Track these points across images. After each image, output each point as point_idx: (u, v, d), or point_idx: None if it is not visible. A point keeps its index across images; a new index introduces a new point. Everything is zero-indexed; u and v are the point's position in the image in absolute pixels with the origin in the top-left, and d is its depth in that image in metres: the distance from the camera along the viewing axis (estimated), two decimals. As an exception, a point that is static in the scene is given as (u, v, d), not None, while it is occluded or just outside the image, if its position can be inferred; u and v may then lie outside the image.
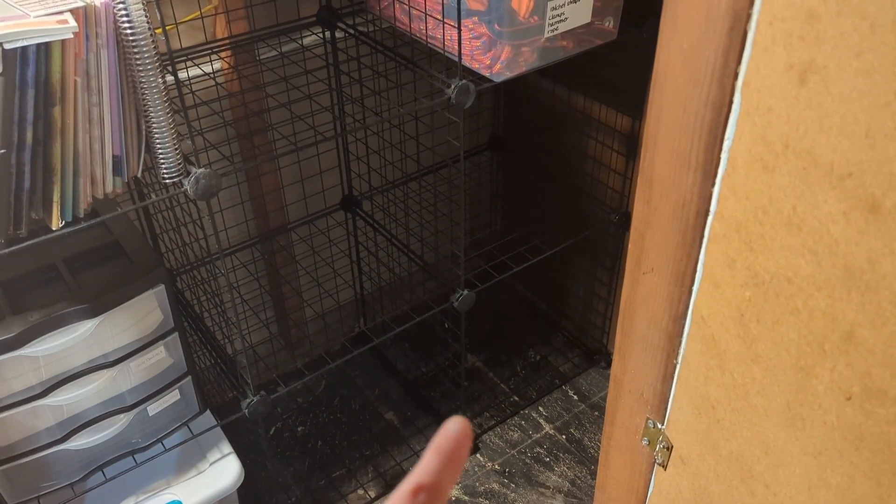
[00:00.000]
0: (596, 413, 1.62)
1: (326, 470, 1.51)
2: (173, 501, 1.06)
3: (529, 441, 1.56)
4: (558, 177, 1.63)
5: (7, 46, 0.68)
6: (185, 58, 1.18)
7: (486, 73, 1.08)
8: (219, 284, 1.18)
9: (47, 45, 0.72)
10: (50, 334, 0.88)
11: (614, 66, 1.37)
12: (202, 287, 1.28)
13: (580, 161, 1.56)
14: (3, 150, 0.73)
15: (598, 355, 1.73)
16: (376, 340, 1.32)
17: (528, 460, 1.52)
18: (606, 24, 1.13)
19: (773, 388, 0.54)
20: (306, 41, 1.30)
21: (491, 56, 1.06)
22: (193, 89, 1.21)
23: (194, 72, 1.22)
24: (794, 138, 0.47)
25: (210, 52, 1.21)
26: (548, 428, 1.59)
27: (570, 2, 1.05)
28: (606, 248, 1.59)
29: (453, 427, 0.34)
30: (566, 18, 1.07)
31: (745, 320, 0.55)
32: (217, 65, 1.24)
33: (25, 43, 0.68)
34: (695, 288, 0.60)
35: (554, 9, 1.04)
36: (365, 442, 1.57)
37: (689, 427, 0.65)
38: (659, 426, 0.70)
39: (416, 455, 1.53)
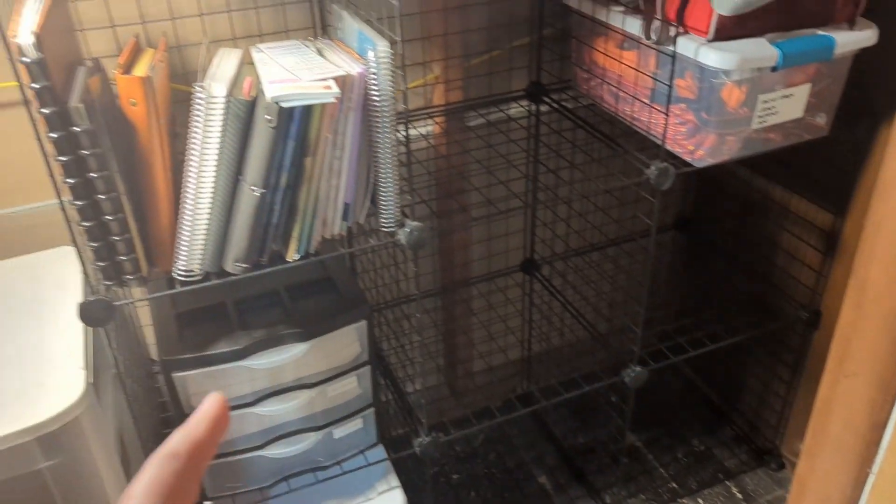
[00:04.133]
0: (760, 515, 1.54)
1: (477, 522, 1.55)
2: (342, 522, 1.14)
3: (685, 531, 1.51)
4: (745, 265, 1.59)
5: (283, 104, 0.80)
6: (405, 120, 1.30)
7: (688, 158, 1.11)
8: (409, 325, 1.27)
9: (311, 105, 0.84)
10: (268, 351, 0.99)
11: (820, 161, 1.35)
12: (390, 326, 1.38)
13: (770, 252, 1.53)
14: (263, 191, 0.86)
15: (768, 455, 1.65)
16: (543, 403, 1.35)
17: (681, 551, 1.47)
18: (818, 120, 1.13)
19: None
20: (512, 112, 1.39)
21: (694, 142, 1.09)
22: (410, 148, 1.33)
23: (411, 132, 1.34)
24: None
25: (427, 115, 1.33)
26: (706, 521, 1.53)
27: (783, 96, 1.06)
28: (790, 345, 1.53)
29: (214, 401, 0.36)
30: (777, 112, 1.08)
31: (956, 439, 0.54)
32: (430, 128, 1.36)
33: (298, 103, 0.81)
34: (900, 398, 0.59)
35: (765, 102, 1.05)
36: (516, 501, 1.59)
37: (878, 541, 0.63)
38: (844, 535, 0.68)
39: (565, 524, 1.53)
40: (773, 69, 1.02)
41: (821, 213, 1.39)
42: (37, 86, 0.73)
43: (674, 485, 1.61)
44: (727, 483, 1.61)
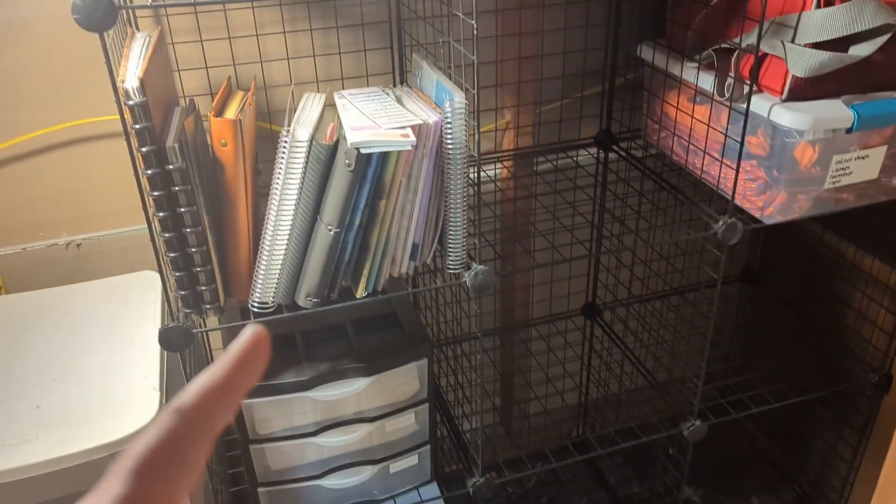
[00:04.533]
0: (821, 583, 1.48)
1: (525, 566, 1.53)
2: (393, 557, 1.15)
3: None
4: (813, 323, 1.56)
5: (363, 150, 0.84)
6: (476, 163, 1.34)
7: (757, 215, 1.11)
8: (468, 363, 1.29)
9: (388, 151, 0.88)
10: (332, 383, 1.03)
11: (895, 222, 1.32)
12: (449, 363, 1.40)
13: (840, 311, 1.49)
14: (338, 230, 0.89)
15: (830, 520, 1.60)
16: (598, 451, 1.34)
17: None
18: (895, 181, 1.11)
19: None
20: (581, 159, 1.41)
21: (764, 199, 1.09)
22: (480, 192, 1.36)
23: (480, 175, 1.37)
24: None
25: (496, 159, 1.36)
26: (762, 585, 1.48)
27: (858, 157, 1.05)
28: (858, 408, 1.48)
29: (248, 337, 0.31)
30: (851, 172, 1.06)
31: None
32: (499, 171, 1.39)
33: (376, 150, 0.85)
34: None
35: (839, 162, 1.05)
36: (566, 548, 1.57)
37: None
38: None
39: (616, 575, 1.51)
40: (848, 131, 1.02)
41: (895, 274, 1.35)
42: (138, 126, 0.78)
43: (730, 544, 1.57)
44: (786, 546, 1.56)
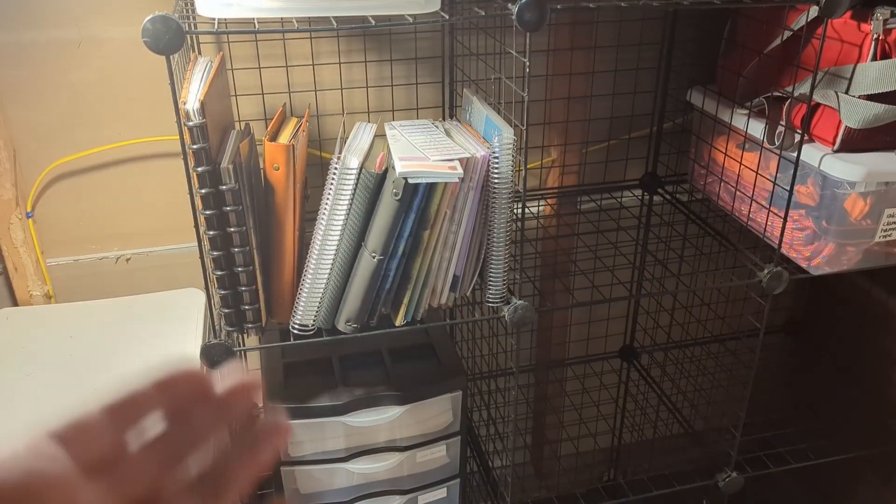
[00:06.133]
0: None
1: None
2: (416, 591, 1.14)
3: None
4: (858, 379, 1.52)
5: (410, 180, 0.86)
6: (521, 199, 1.34)
7: (804, 265, 1.09)
8: (502, 399, 1.28)
9: (435, 183, 0.89)
10: (366, 410, 1.03)
11: (947, 279, 1.29)
12: (483, 397, 1.40)
13: (887, 368, 1.45)
14: (381, 257, 0.91)
15: (870, 586, 1.53)
16: (630, 497, 1.32)
17: None
18: (948, 238, 1.08)
19: None
20: (625, 200, 1.41)
21: (812, 249, 1.07)
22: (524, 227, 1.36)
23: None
24: None
25: (540, 196, 1.37)
26: None
27: (910, 212, 1.03)
28: (903, 469, 1.43)
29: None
30: (902, 227, 1.05)
31: None
32: (542, 208, 1.39)
33: (424, 181, 0.86)
34: None
35: (891, 216, 1.03)
36: None
37: None
38: None
39: None
40: (902, 183, 1.00)
41: (946, 333, 1.31)
42: (196, 147, 0.81)
43: None
44: None
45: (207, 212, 0.85)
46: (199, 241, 0.87)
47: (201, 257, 0.88)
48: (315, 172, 1.17)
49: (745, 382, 1.21)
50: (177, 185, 1.16)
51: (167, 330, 1.15)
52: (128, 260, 1.27)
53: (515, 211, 0.98)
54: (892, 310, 1.42)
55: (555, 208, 1.38)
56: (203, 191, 0.84)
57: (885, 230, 1.04)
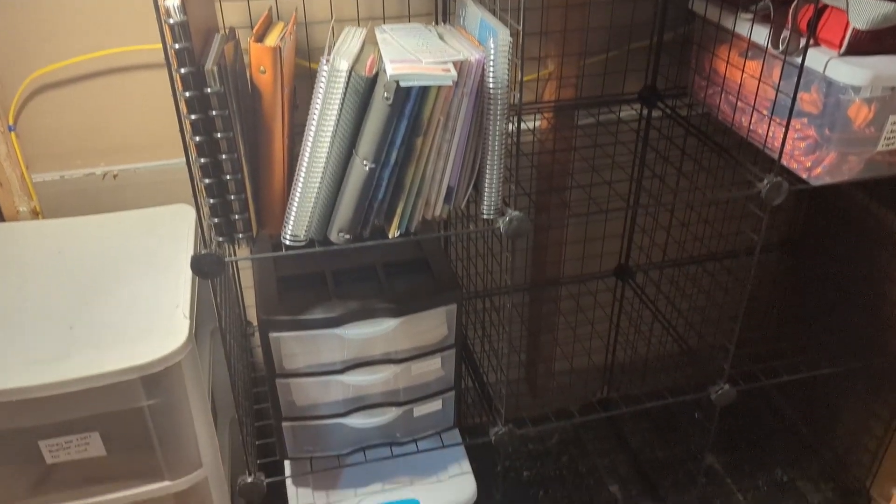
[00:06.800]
0: (841, 557, 1.47)
1: (542, 521, 1.54)
2: (413, 500, 1.16)
3: (757, 562, 1.46)
4: (852, 295, 1.52)
5: (402, 83, 0.83)
6: (517, 112, 1.31)
7: (804, 175, 1.07)
8: (497, 317, 1.28)
9: (428, 86, 0.86)
10: (361, 322, 1.03)
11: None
12: (478, 316, 1.40)
13: (881, 283, 1.45)
14: (373, 165, 0.88)
15: (856, 496, 1.57)
16: (624, 409, 1.33)
17: (752, 581, 1.43)
18: (952, 147, 1.06)
19: None
20: (623, 114, 1.38)
21: (813, 159, 1.05)
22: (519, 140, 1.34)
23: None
24: None
25: (536, 110, 1.33)
26: (781, 555, 1.47)
27: (916, 119, 1.01)
28: (893, 383, 1.45)
29: None
30: (906, 135, 1.02)
31: None
32: (538, 122, 1.36)
33: (416, 83, 0.83)
34: None
35: (895, 123, 1.00)
36: (585, 506, 1.57)
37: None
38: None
39: (633, 536, 1.51)
40: (908, 89, 0.97)
41: (943, 247, 1.31)
42: (178, 46, 0.78)
43: (751, 513, 1.56)
44: (808, 519, 1.55)
45: (193, 116, 0.82)
46: (185, 147, 0.85)
47: (188, 164, 0.85)
48: (304, 85, 1.13)
49: (740, 298, 1.21)
50: (163, 99, 1.13)
51: (157, 246, 1.14)
52: (115, 176, 1.24)
53: (511, 124, 0.95)
54: (889, 224, 1.41)
55: (551, 122, 1.35)
56: (187, 94, 0.81)
57: (889, 138, 1.02)
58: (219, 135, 0.84)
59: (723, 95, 1.19)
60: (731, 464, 1.67)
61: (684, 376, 1.68)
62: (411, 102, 0.86)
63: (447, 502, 1.17)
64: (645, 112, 1.37)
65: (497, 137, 0.93)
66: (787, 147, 1.06)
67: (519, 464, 1.67)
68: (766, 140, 1.09)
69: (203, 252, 0.89)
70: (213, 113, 0.83)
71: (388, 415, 1.12)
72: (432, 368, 1.13)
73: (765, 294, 1.77)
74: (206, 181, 0.87)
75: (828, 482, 1.62)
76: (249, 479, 1.08)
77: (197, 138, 0.84)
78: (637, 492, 1.60)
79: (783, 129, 1.03)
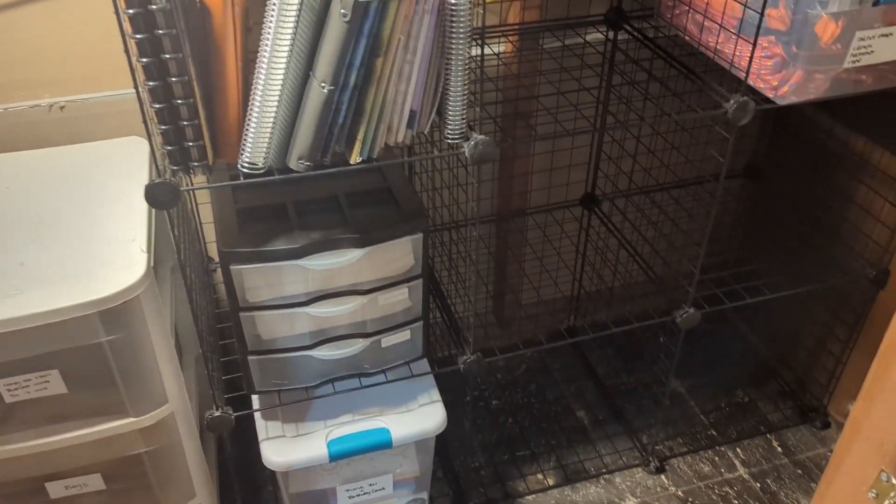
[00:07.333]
0: (799, 471, 1.52)
1: (512, 447, 1.57)
2: (382, 429, 1.17)
3: (719, 479, 1.51)
4: (814, 218, 1.54)
5: (359, -1, 0.79)
6: (480, 35, 1.27)
7: (770, 95, 1.06)
8: (464, 248, 1.27)
9: (387, 3, 0.82)
10: (325, 253, 1.00)
11: (910, 112, 1.27)
12: (445, 247, 1.38)
13: (843, 206, 1.47)
14: (332, 87, 0.85)
15: (813, 413, 1.62)
16: (590, 335, 1.34)
17: (714, 496, 1.47)
18: (917, 64, 1.06)
19: None
20: (589, 37, 1.35)
21: (780, 78, 1.04)
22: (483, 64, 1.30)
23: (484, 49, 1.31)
24: None
25: (501, 34, 1.30)
26: (742, 471, 1.52)
27: (882, 35, 1.00)
28: (851, 303, 1.48)
29: None
30: (872, 52, 1.01)
31: None
32: (503, 46, 1.33)
33: (374, -2, 0.79)
34: (977, 346, 0.57)
35: (862, 39, 0.99)
36: (552, 432, 1.60)
37: (931, 490, 0.61)
38: (894, 481, 0.66)
39: (599, 458, 1.54)
40: (875, 3, 0.96)
41: (904, 168, 1.32)
42: (117, -41, 0.73)
43: (713, 432, 1.60)
44: (768, 436, 1.59)
45: (138, 36, 0.78)
46: (132, 71, 0.80)
47: (136, 89, 0.81)
48: (259, 5, 1.07)
49: (705, 225, 1.21)
50: (109, 23, 1.07)
51: (110, 179, 1.09)
52: (62, 108, 1.19)
53: (475, 48, 0.92)
54: (851, 147, 1.42)
55: (516, 46, 1.32)
56: (131, 11, 0.76)
57: (855, 55, 1.01)
58: (167, 55, 0.80)
59: (690, 15, 1.16)
60: (695, 387, 1.71)
61: (650, 303, 1.70)
62: (370, 20, 0.83)
63: (417, 430, 1.17)
64: (611, 34, 1.34)
65: (459, 58, 0.90)
66: (754, 66, 1.05)
67: (488, 393, 1.69)
68: (733, 59, 1.07)
69: (157, 180, 0.85)
70: (160, 32, 0.78)
71: (356, 346, 1.11)
72: (399, 299, 1.12)
73: (729, 219, 1.78)
74: (157, 106, 0.83)
75: (787, 401, 1.67)
76: (217, 413, 1.07)
77: (144, 59, 0.80)
78: (603, 416, 1.64)
79: (750, 48, 1.01)
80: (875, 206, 1.39)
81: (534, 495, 1.47)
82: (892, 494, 0.67)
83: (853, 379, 1.53)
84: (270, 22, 0.81)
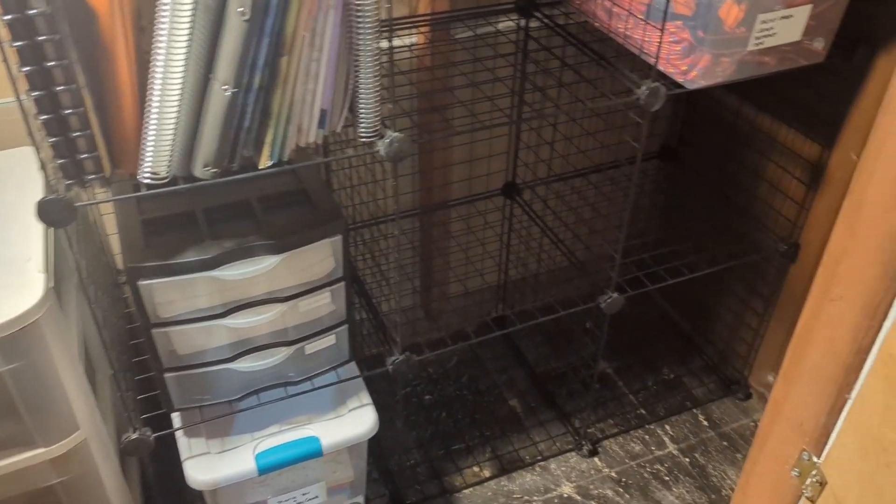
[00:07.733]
0: (725, 443, 1.56)
1: (447, 441, 1.56)
2: (311, 437, 1.13)
3: (650, 457, 1.54)
4: (727, 197, 1.58)
5: (258, -4, 0.75)
6: (389, 27, 1.24)
7: (680, 80, 1.07)
8: (386, 245, 1.24)
9: (288, -1, 0.79)
10: (239, 262, 0.96)
11: (812, 90, 1.32)
12: (367, 245, 1.35)
13: (754, 184, 1.51)
14: (235, 90, 0.81)
15: (736, 385, 1.68)
16: (518, 326, 1.34)
17: (646, 475, 1.50)
18: (816, 44, 1.09)
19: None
20: (501, 26, 1.34)
21: (688, 62, 1.05)
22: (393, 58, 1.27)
23: (395, 43, 1.28)
24: None
25: (411, 25, 1.27)
26: (672, 447, 1.56)
27: (783, 17, 1.02)
28: (766, 278, 1.53)
29: None
30: (774, 34, 1.04)
31: (941, 366, 0.53)
32: (414, 38, 1.30)
33: (274, -5, 0.75)
34: (886, 324, 0.58)
35: (764, 22, 1.01)
36: (486, 423, 1.60)
37: (851, 466, 0.63)
38: (815, 460, 0.68)
39: (534, 445, 1.55)
40: (776, -13, 0.98)
41: (808, 144, 1.36)
42: (-15, -41, 0.67)
43: (642, 411, 1.63)
44: (694, 411, 1.64)
45: (17, 43, 0.72)
46: (13, 81, 0.74)
47: (17, 99, 0.75)
48: (151, 3, 1.01)
49: (623, 209, 1.22)
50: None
51: (0, 195, 1.02)
52: (-59, 120, 1.10)
53: (385, 41, 0.89)
54: (759, 126, 1.46)
55: (428, 37, 1.29)
56: (8, 17, 0.70)
57: (758, 38, 1.03)
58: (51, 63, 0.74)
59: (598, 0, 1.17)
60: (622, 368, 1.74)
61: (575, 288, 1.71)
62: (271, 17, 0.79)
63: (347, 436, 1.15)
64: (522, 22, 1.33)
65: (368, 53, 0.87)
66: (663, 51, 1.06)
67: (420, 389, 1.67)
68: (642, 45, 1.08)
69: (49, 197, 0.79)
70: (41, 38, 0.72)
71: (279, 355, 1.07)
72: (322, 303, 1.08)
73: (647, 202, 1.81)
74: (44, 118, 0.77)
75: (710, 375, 1.72)
76: (134, 436, 1.02)
77: (26, 69, 0.74)
78: (535, 403, 1.65)
79: (659, 33, 1.02)
80: (783, 183, 1.43)
81: (471, 489, 1.47)
82: (813, 472, 0.68)
83: (771, 350, 1.58)
84: (164, 23, 0.76)
